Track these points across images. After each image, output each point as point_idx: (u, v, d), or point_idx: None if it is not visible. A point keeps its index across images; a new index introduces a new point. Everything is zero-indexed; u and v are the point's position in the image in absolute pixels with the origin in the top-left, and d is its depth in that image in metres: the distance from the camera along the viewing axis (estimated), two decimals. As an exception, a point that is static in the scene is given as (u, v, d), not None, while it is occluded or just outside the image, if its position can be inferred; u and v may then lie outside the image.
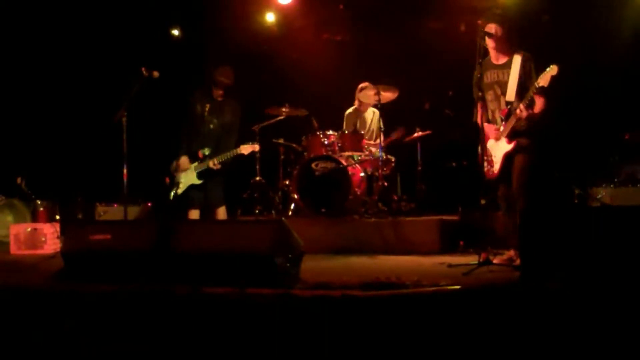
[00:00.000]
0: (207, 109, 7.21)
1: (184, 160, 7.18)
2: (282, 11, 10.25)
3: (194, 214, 7.22)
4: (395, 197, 8.32)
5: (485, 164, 5.91)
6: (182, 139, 7.25)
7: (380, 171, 7.89)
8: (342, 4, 9.88)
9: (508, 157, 5.80)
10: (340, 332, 3.84)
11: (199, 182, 7.13)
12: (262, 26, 10.40)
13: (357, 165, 7.94)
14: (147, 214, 8.70)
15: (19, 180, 8.88)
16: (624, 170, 7.25)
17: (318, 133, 8.20)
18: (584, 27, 8.07)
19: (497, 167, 5.85)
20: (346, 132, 8.17)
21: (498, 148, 5.86)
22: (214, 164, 7.05)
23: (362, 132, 8.28)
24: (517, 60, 5.75)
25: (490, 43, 5.81)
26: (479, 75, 5.76)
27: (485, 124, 5.94)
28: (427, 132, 8.48)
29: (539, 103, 5.64)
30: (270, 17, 10.35)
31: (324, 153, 8.00)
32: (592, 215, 4.70)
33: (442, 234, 7.08)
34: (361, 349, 3.75)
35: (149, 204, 8.77)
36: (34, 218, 8.51)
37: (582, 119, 7.87)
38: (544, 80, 5.43)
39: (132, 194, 7.33)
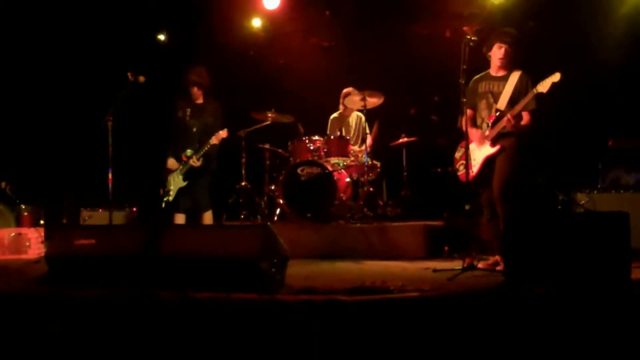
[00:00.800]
0: (188, 113, 7.27)
1: (171, 162, 7.23)
2: (268, 17, 10.26)
3: (180, 219, 7.24)
4: (381, 203, 8.34)
5: (461, 167, 5.95)
6: (169, 146, 7.32)
7: (366, 176, 7.91)
8: (328, 9, 9.90)
9: (488, 161, 5.84)
10: (325, 337, 3.85)
11: (184, 183, 7.20)
12: (248, 31, 10.41)
13: (342, 170, 7.95)
14: (133, 219, 8.68)
15: (3, 184, 8.82)
16: (607, 176, 7.31)
17: (304, 138, 8.21)
18: (568, 33, 8.12)
19: (475, 169, 5.89)
20: (332, 137, 8.18)
21: (479, 152, 5.90)
22: (194, 161, 7.11)
23: (347, 137, 8.29)
24: (515, 75, 5.86)
25: (496, 60, 5.90)
26: (462, 82, 5.80)
27: (470, 129, 5.99)
28: (413, 138, 8.51)
29: (526, 119, 5.71)
30: (256, 23, 10.36)
31: (310, 158, 8.02)
32: (575, 220, 4.73)
33: (427, 239, 7.10)
34: (347, 354, 3.76)
35: (135, 209, 8.74)
36: (18, 223, 8.46)
37: (566, 126, 7.93)
38: (544, 86, 5.50)
39: (117, 198, 7.32)
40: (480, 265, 5.59)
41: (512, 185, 5.73)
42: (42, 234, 7.73)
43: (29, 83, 9.58)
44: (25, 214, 8.56)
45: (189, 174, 7.20)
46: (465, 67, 5.78)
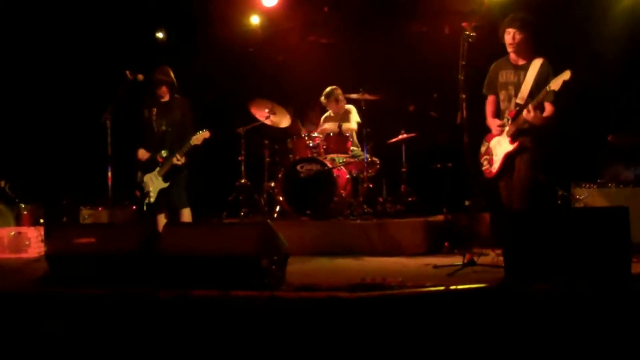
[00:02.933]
0: (154, 112, 7.20)
1: (141, 152, 7.20)
2: (266, 14, 10.23)
3: (162, 219, 7.20)
4: (381, 199, 8.34)
5: (485, 162, 5.97)
6: (137, 145, 7.28)
7: (365, 173, 7.91)
8: (327, 6, 9.88)
9: (508, 158, 5.84)
10: (325, 334, 3.85)
11: (166, 184, 7.12)
12: (247, 29, 10.39)
13: (342, 167, 7.95)
14: (132, 217, 8.67)
15: (2, 183, 8.81)
16: (607, 171, 7.30)
17: (303, 135, 8.21)
18: (567, 29, 8.11)
19: (496, 166, 5.91)
20: (331, 134, 8.18)
21: (500, 147, 5.93)
22: (177, 159, 7.05)
23: (348, 135, 8.29)
24: (536, 64, 5.84)
25: (508, 46, 5.88)
26: (461, 78, 5.80)
27: (491, 119, 6.00)
28: (412, 134, 8.50)
29: (548, 109, 5.70)
30: (255, 20, 10.33)
31: (309, 155, 8.02)
32: (575, 216, 4.74)
33: (427, 235, 7.11)
34: (347, 350, 3.76)
35: (134, 207, 8.73)
36: (18, 222, 8.45)
37: (565, 121, 7.91)
38: (555, 84, 5.51)
39: (116, 197, 7.32)
40: (479, 260, 5.59)
41: (533, 184, 5.75)
42: (42, 232, 7.74)
43: (28, 81, 9.56)
44: (25, 212, 8.55)
45: (169, 174, 7.13)
46: (464, 63, 5.78)
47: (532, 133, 5.80)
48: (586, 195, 6.92)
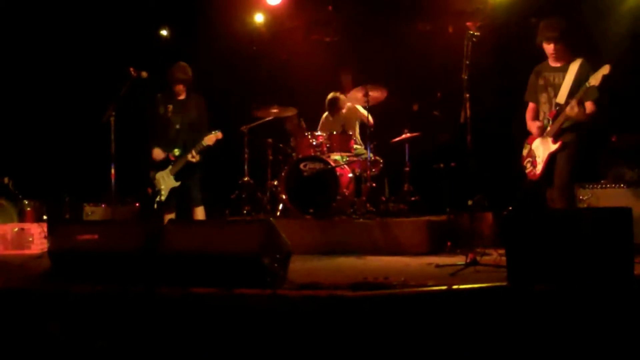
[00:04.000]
0: (170, 109, 7.13)
1: (156, 151, 7.15)
2: (271, 12, 10.24)
3: (170, 217, 7.18)
4: (384, 198, 8.34)
5: (528, 165, 5.98)
6: (151, 145, 7.21)
7: (368, 172, 7.91)
8: (331, 5, 9.88)
9: (552, 158, 5.86)
10: (328, 333, 3.85)
11: (177, 183, 7.08)
12: (251, 27, 10.39)
13: (345, 166, 7.95)
14: (135, 215, 8.68)
15: (6, 180, 8.83)
16: (610, 171, 7.28)
17: (306, 134, 8.21)
18: (573, 28, 8.10)
19: (540, 167, 5.91)
20: (334, 133, 8.18)
21: (543, 148, 5.94)
22: (192, 156, 7.00)
23: (351, 133, 8.29)
24: (575, 65, 5.85)
25: (548, 54, 5.90)
26: (465, 77, 5.79)
27: (530, 122, 6.02)
28: (416, 133, 8.50)
29: (589, 107, 5.70)
30: (259, 18, 10.33)
31: (313, 154, 8.02)
32: (578, 216, 4.72)
33: (430, 235, 7.10)
34: (349, 349, 3.76)
35: (137, 205, 8.75)
36: (21, 218, 8.48)
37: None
38: (595, 79, 5.50)
39: (120, 194, 7.32)
40: (481, 260, 5.59)
41: (574, 181, 5.75)
42: (45, 229, 7.74)
43: (32, 79, 9.58)
44: (29, 209, 8.58)
45: (182, 172, 7.09)
46: (468, 62, 5.79)
47: (574, 130, 5.80)
48: (590, 196, 6.92)
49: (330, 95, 8.76)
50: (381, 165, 8.32)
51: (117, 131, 6.72)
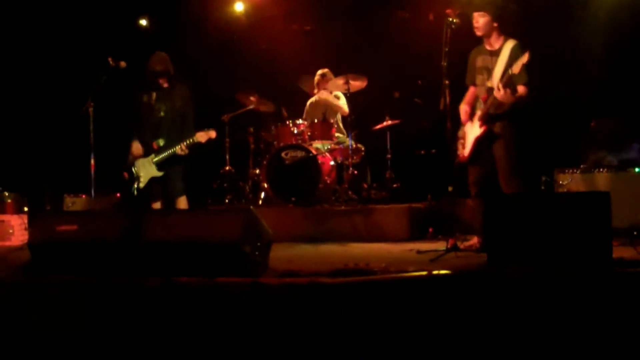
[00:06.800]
0: (153, 97, 7.01)
1: (135, 145, 7.04)
2: (250, 1, 10.20)
3: (157, 207, 7.12)
4: (365, 186, 8.36)
5: (460, 146, 5.98)
6: (134, 133, 7.07)
7: (350, 160, 7.92)
8: (311, -7, 9.86)
9: (479, 142, 5.84)
10: (309, 320, 3.86)
11: (160, 173, 6.98)
12: (231, 16, 10.34)
13: (327, 154, 7.96)
14: (116, 205, 8.63)
15: (-14, 172, 8.76)
16: (590, 156, 7.33)
17: (288, 122, 8.21)
18: (550, 14, 8.14)
19: (467, 150, 5.90)
20: (316, 121, 8.18)
21: (471, 131, 5.93)
22: (181, 149, 6.90)
23: (332, 121, 8.29)
24: (507, 48, 5.79)
25: (477, 30, 5.85)
26: (445, 64, 5.80)
27: (462, 105, 6.02)
28: (397, 121, 8.52)
29: (520, 90, 5.66)
30: (239, 7, 10.29)
31: (294, 142, 8.01)
32: (557, 201, 4.76)
33: (411, 221, 7.15)
34: (330, 336, 3.78)
35: (118, 195, 8.70)
36: (1, 210, 8.40)
37: (548, 106, 7.95)
38: (516, 67, 5.47)
39: (100, 184, 7.27)
40: (461, 246, 5.62)
41: (519, 170, 5.74)
42: (26, 220, 7.68)
43: (9, 69, 9.48)
44: (9, 201, 8.49)
45: (165, 162, 7.02)
46: (447, 49, 5.79)
47: (504, 118, 5.76)
48: (569, 181, 6.96)
49: (323, 70, 8.75)
50: (362, 153, 8.34)
51: (96, 121, 6.66)
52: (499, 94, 5.58)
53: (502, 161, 5.75)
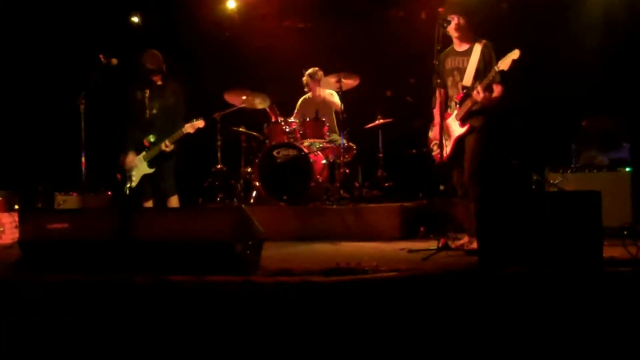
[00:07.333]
0: (147, 94, 7.04)
1: (130, 157, 7.05)
2: (243, -2, 10.19)
3: (148, 205, 7.12)
4: (357, 184, 8.37)
5: (435, 147, 5.96)
6: (126, 130, 7.12)
7: (342, 158, 7.92)
8: (304, -9, 9.85)
9: (460, 141, 5.85)
10: (300, 318, 3.86)
11: (151, 170, 7.00)
12: (223, 13, 10.32)
13: (318, 152, 7.95)
14: (107, 203, 8.61)
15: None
16: (581, 156, 7.36)
17: (279, 120, 8.19)
18: (542, 13, 8.16)
19: (447, 150, 5.90)
20: (308, 119, 8.17)
21: (450, 132, 5.92)
22: (166, 145, 6.93)
23: (324, 119, 8.29)
24: (477, 48, 5.81)
25: (451, 31, 5.84)
26: (437, 63, 5.81)
27: (435, 109, 6.00)
28: (389, 119, 8.52)
29: (497, 90, 5.68)
30: (231, 4, 10.26)
31: (286, 140, 8.01)
32: (548, 200, 4.77)
33: (403, 220, 7.15)
34: (322, 334, 3.78)
35: (109, 193, 8.68)
36: (-8, 208, 8.36)
37: (540, 105, 7.98)
38: (504, 64, 5.47)
39: (92, 182, 7.26)
40: (452, 245, 5.63)
41: (483, 165, 5.75)
42: (16, 218, 7.64)
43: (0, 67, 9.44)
44: (0, 198, 8.46)
45: (155, 159, 7.03)
46: (439, 48, 5.79)
47: (482, 114, 5.78)
48: (560, 180, 6.98)
49: (312, 69, 8.71)
50: (354, 152, 8.34)
51: (88, 119, 6.65)
52: (479, 96, 5.61)
53: (472, 158, 5.77)
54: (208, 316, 4.00)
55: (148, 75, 7.05)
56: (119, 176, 7.05)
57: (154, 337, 3.99)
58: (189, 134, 6.99)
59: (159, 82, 7.09)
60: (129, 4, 10.17)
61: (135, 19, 10.39)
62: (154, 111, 7.05)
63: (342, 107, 8.10)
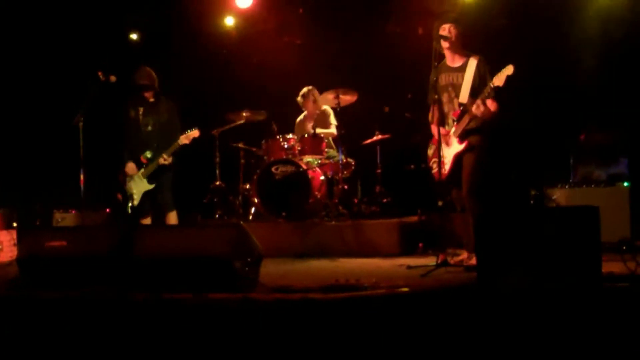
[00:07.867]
0: (141, 112, 7.08)
1: (130, 166, 7.09)
2: (241, 15, 10.22)
3: (146, 222, 7.12)
4: (356, 200, 8.37)
5: (434, 165, 5.95)
6: (125, 148, 7.16)
7: (340, 174, 7.93)
8: (301, 7, 9.89)
9: (458, 158, 5.85)
10: (299, 335, 3.85)
11: (151, 186, 7.04)
12: (221, 30, 10.37)
13: (317, 168, 7.96)
14: (106, 220, 8.60)
15: (-26, 187, 8.70)
16: (579, 171, 7.36)
17: (278, 137, 8.21)
18: (540, 29, 8.19)
19: (447, 167, 5.90)
20: (306, 135, 8.19)
21: (449, 149, 5.91)
22: (164, 159, 6.96)
23: (322, 135, 8.30)
24: (472, 63, 5.80)
25: (444, 45, 5.85)
26: (434, 79, 5.83)
27: (433, 126, 6.00)
28: (387, 135, 8.54)
29: (492, 106, 5.68)
30: (229, 21, 10.32)
31: (284, 157, 8.01)
32: (546, 215, 4.77)
33: (401, 236, 7.14)
34: (321, 351, 3.76)
35: (108, 210, 8.67)
36: (-9, 226, 8.35)
37: (538, 120, 7.99)
38: (499, 79, 5.48)
39: (90, 200, 7.25)
40: (451, 261, 5.62)
41: (481, 182, 5.75)
42: (15, 236, 7.64)
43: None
44: (-2, 216, 8.45)
45: (154, 175, 7.05)
46: (436, 64, 5.80)
47: (480, 132, 5.79)
48: (559, 195, 6.98)
49: (305, 89, 8.72)
50: (353, 168, 8.35)
51: (86, 136, 6.65)
52: (479, 110, 5.60)
53: (470, 176, 5.77)
54: (206, 334, 3.98)
55: (141, 92, 7.09)
56: (119, 196, 7.07)
57: (152, 354, 3.97)
58: (185, 144, 7.02)
59: (152, 99, 7.13)
60: (128, 21, 10.21)
61: (134, 36, 10.43)
62: (149, 128, 7.11)
63: (336, 124, 8.12)
